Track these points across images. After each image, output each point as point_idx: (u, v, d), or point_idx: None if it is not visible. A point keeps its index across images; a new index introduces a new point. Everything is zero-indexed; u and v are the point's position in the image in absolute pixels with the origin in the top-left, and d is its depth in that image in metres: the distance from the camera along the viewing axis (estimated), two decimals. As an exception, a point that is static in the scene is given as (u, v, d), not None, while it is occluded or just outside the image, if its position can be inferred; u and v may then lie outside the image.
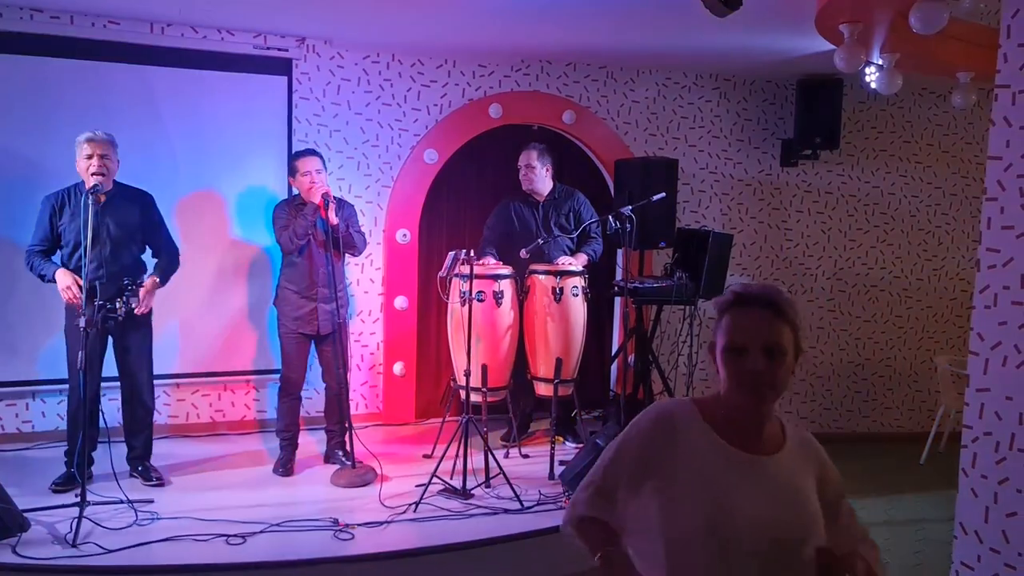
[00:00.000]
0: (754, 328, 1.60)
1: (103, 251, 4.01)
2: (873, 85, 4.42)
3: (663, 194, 4.86)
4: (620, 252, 5.69)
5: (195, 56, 4.93)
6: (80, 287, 3.91)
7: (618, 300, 6.03)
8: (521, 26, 4.69)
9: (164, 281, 4.27)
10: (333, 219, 4.33)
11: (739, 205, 6.38)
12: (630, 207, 4.69)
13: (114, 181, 4.14)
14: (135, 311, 4.09)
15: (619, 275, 5.58)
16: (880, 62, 4.07)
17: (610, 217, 4.76)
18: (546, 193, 5.09)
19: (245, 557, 3.45)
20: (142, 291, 4.10)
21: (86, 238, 3.79)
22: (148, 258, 4.35)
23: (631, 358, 5.42)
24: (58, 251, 4.13)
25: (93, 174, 3.96)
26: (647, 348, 5.31)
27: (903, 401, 6.71)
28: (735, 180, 6.36)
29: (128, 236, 4.15)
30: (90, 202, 3.80)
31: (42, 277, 4.08)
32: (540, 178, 5.03)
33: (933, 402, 6.48)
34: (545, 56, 5.71)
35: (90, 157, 3.98)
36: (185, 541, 3.57)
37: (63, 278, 3.98)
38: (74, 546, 3.43)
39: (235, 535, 3.62)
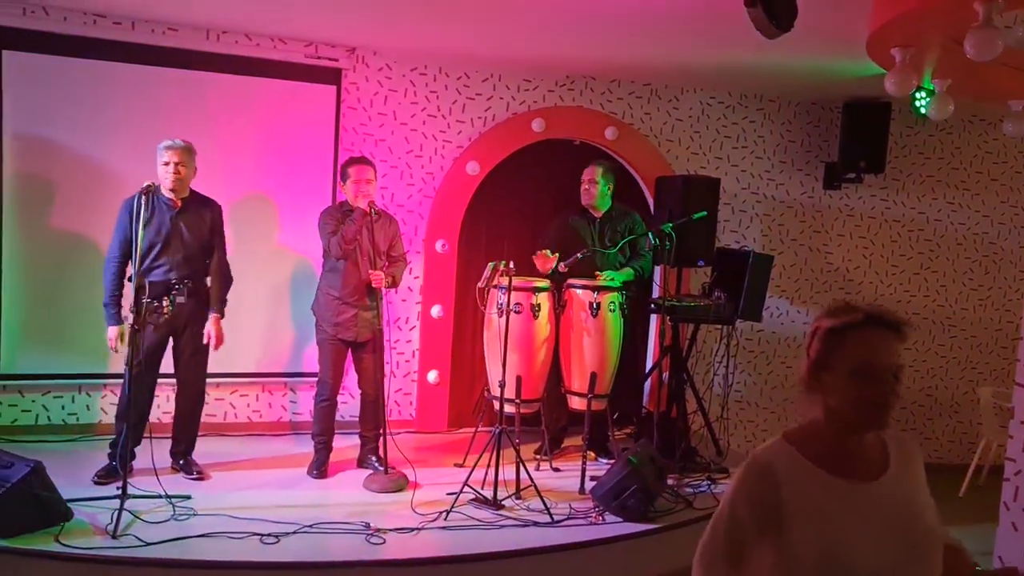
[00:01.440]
0: (885, 350, 1.55)
1: (175, 255, 4.15)
2: (924, 111, 4.38)
3: (704, 212, 4.86)
4: (658, 269, 5.69)
5: (248, 63, 5.05)
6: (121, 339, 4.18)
7: (654, 317, 6.02)
8: (567, 41, 4.73)
9: (223, 313, 4.40)
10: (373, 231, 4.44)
11: (780, 226, 6.35)
12: (670, 224, 4.69)
13: (190, 188, 4.28)
14: (208, 345, 4.33)
15: (656, 292, 5.58)
16: (932, 87, 4.03)
17: (649, 234, 4.77)
18: (604, 210, 5.11)
19: (279, 556, 3.50)
20: (210, 330, 4.31)
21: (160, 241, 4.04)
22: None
23: (665, 376, 5.41)
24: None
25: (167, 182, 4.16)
26: (682, 367, 5.29)
27: (943, 432, 6.60)
28: (776, 201, 6.33)
29: (197, 240, 4.28)
30: (164, 206, 4.03)
31: (105, 306, 4.22)
32: (601, 194, 5.05)
33: (974, 434, 6.36)
34: (589, 72, 5.74)
35: (167, 164, 4.12)
36: (221, 538, 3.63)
37: (112, 333, 4.22)
38: (114, 537, 3.52)
39: (269, 534, 3.67)
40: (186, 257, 4.23)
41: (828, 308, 1.65)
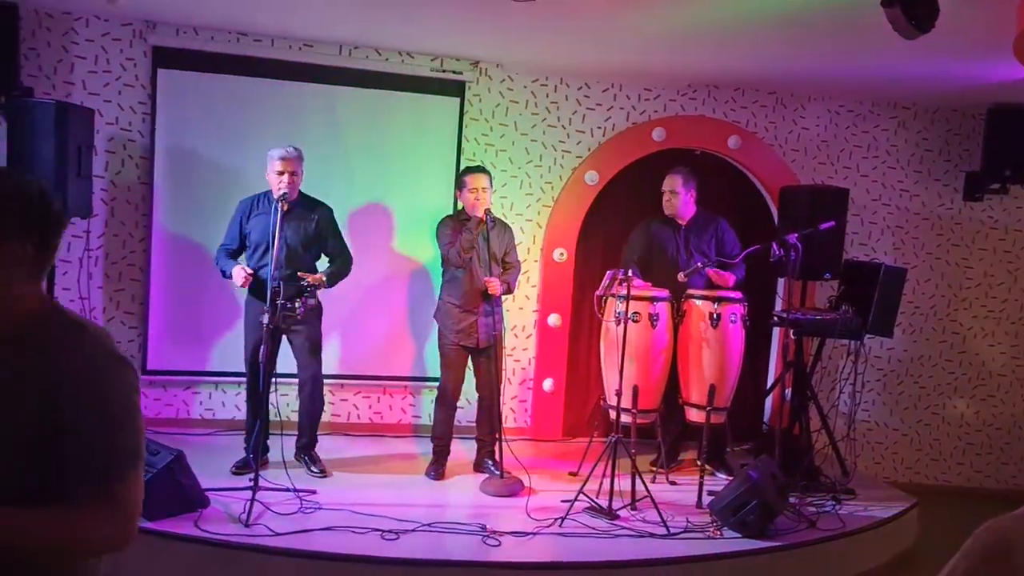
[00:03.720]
0: None
1: (281, 254, 4.35)
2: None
3: (832, 223, 4.68)
4: (781, 282, 5.52)
5: (377, 77, 5.25)
6: (253, 274, 4.31)
7: (776, 331, 5.85)
8: (690, 50, 4.69)
9: (331, 284, 4.51)
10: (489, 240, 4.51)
11: (914, 239, 6.05)
12: (795, 235, 4.55)
13: (299, 192, 4.47)
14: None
15: (779, 305, 5.41)
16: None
17: (774, 244, 4.63)
18: (688, 217, 5.01)
19: (399, 553, 3.60)
20: (309, 278, 4.35)
21: (273, 241, 4.14)
22: (323, 265, 4.65)
23: (787, 392, 5.24)
24: (243, 252, 4.51)
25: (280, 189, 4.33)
26: (805, 383, 5.11)
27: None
28: (911, 213, 6.04)
29: (304, 242, 4.46)
30: (277, 209, 4.16)
31: (223, 272, 4.47)
32: (684, 203, 4.95)
33: None
34: (712, 81, 5.66)
35: (281, 173, 4.32)
36: (344, 532, 3.77)
37: (238, 272, 4.34)
38: (247, 526, 3.71)
39: (389, 531, 3.79)
40: (291, 257, 4.37)
41: None
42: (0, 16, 4.56)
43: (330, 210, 4.60)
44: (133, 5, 4.64)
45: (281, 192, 4.26)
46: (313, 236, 4.50)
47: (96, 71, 4.96)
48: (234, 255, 4.51)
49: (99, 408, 1.47)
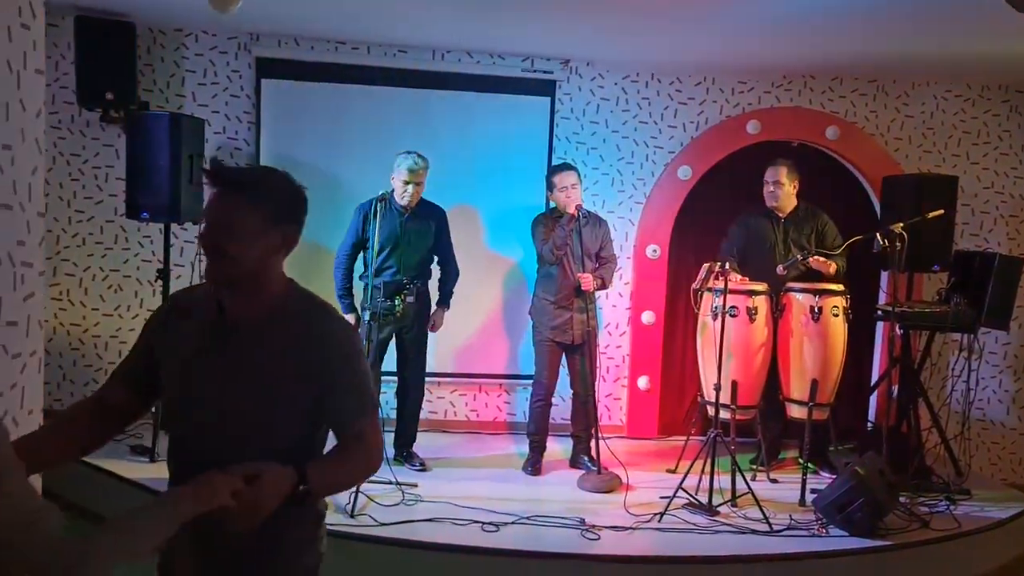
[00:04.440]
0: None
1: (403, 257, 4.48)
2: None
3: (940, 211, 4.49)
4: (885, 275, 5.33)
5: (469, 79, 5.35)
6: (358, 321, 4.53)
7: (880, 328, 5.64)
8: (786, 37, 4.59)
9: (448, 305, 4.75)
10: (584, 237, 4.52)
11: (1029, 229, 5.74)
12: (901, 224, 4.38)
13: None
14: (430, 330, 4.71)
15: (883, 299, 5.22)
16: None
17: (877, 234, 4.48)
18: (788, 210, 4.88)
19: (499, 544, 3.65)
20: (435, 319, 4.72)
21: (389, 243, 4.46)
22: (435, 267, 4.78)
23: (894, 389, 5.04)
24: (363, 251, 4.63)
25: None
26: (914, 379, 4.90)
27: None
28: (1026, 201, 5.74)
29: (423, 244, 4.61)
30: (396, 212, 4.45)
31: (337, 287, 4.63)
32: (787, 195, 4.84)
33: None
34: (808, 71, 5.52)
35: (407, 183, 4.45)
36: (444, 523, 3.85)
37: (350, 319, 4.53)
38: (352, 516, 3.83)
39: (489, 523, 3.84)
40: (413, 260, 4.54)
41: None
42: (119, 34, 4.86)
43: (445, 215, 4.73)
44: (238, 18, 4.85)
45: (403, 202, 4.47)
46: (431, 238, 4.65)
47: (205, 83, 5.22)
48: (352, 255, 4.64)
49: (351, 368, 1.79)
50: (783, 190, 4.81)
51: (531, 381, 4.92)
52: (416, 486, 4.30)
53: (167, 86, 5.19)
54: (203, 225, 1.74)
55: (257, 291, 1.77)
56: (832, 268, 4.68)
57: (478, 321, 5.48)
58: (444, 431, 5.47)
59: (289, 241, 1.77)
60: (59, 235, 5.18)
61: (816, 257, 4.63)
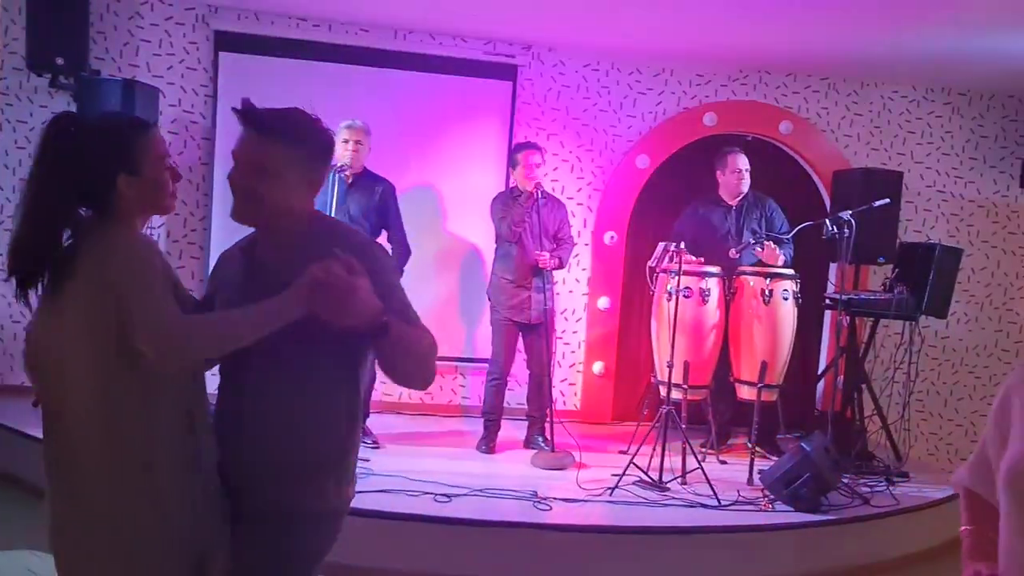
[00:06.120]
0: None
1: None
2: None
3: (887, 200, 4.63)
4: (833, 267, 5.47)
5: (430, 60, 5.35)
6: None
7: (828, 318, 5.79)
8: (745, 26, 4.69)
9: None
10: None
11: (969, 227, 5.96)
12: (849, 212, 4.51)
13: (363, 167, 4.55)
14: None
15: (831, 289, 5.35)
16: None
17: (827, 221, 4.60)
18: (739, 197, 4.99)
19: (451, 513, 3.64)
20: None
21: (330, 211, 4.22)
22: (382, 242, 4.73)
23: (840, 379, 5.16)
24: None
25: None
26: (859, 367, 5.04)
27: None
28: (966, 200, 5.96)
29: (366, 217, 4.54)
30: (336, 180, 4.23)
31: None
32: (747, 182, 4.95)
33: None
34: (764, 66, 5.66)
35: (346, 142, 4.40)
36: (398, 495, 3.83)
37: None
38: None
39: (442, 494, 3.83)
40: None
41: None
42: (73, -2, 4.76)
43: (392, 187, 4.67)
44: (198, -12, 4.82)
45: (343, 161, 4.33)
46: (374, 211, 4.56)
47: (160, 54, 5.14)
48: None
49: (382, 279, 1.78)
50: (748, 176, 4.91)
51: (486, 365, 4.93)
52: (368, 460, 4.26)
53: (120, 55, 5.10)
54: (233, 166, 1.79)
55: (287, 229, 1.81)
56: (780, 260, 4.78)
57: (433, 303, 5.47)
58: (398, 413, 5.44)
59: (317, 182, 1.84)
60: (3, 204, 5.03)
61: (767, 242, 4.73)
